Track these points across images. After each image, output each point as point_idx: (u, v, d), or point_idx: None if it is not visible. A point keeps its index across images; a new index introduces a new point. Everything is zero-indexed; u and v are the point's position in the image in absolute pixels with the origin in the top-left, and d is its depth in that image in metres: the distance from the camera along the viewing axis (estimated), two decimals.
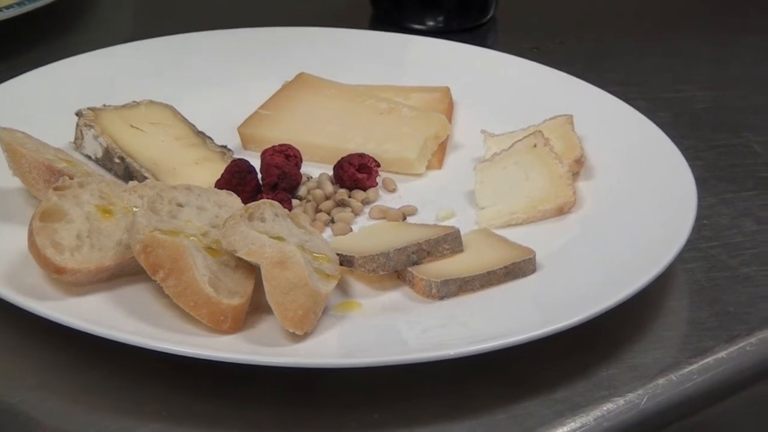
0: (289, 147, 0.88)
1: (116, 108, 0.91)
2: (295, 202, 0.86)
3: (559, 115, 0.91)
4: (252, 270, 0.76)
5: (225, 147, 0.91)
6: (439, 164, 0.91)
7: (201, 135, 0.91)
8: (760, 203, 0.89)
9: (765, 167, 0.93)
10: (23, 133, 0.85)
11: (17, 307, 0.74)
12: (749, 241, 0.85)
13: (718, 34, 1.08)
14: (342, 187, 0.88)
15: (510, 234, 0.83)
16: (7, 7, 1.03)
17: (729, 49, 1.06)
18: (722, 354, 0.77)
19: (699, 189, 0.84)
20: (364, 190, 0.88)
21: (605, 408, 0.73)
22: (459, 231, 0.81)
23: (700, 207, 0.83)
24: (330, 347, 0.74)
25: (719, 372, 0.76)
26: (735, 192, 0.90)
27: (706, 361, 0.76)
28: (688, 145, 0.89)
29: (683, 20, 1.10)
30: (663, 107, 0.96)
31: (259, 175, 0.87)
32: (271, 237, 0.76)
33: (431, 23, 1.07)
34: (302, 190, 0.87)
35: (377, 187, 0.88)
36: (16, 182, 0.83)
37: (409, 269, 0.79)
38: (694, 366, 0.76)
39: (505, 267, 0.79)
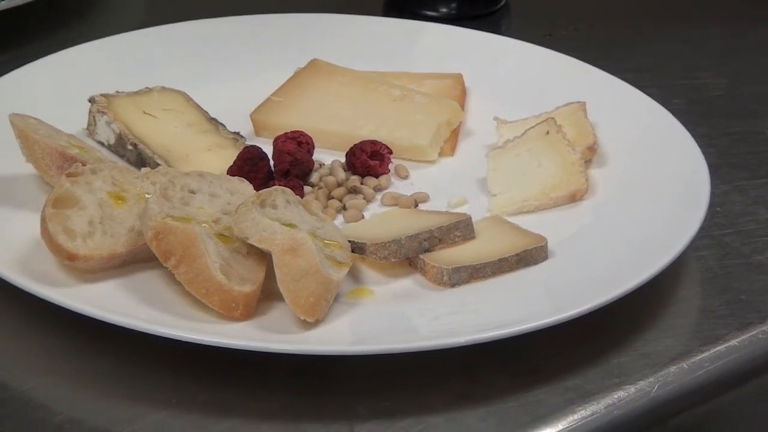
0: (301, 134, 0.88)
1: (129, 94, 0.91)
2: (307, 188, 0.86)
3: (572, 102, 0.91)
4: (263, 257, 0.76)
5: (237, 134, 0.90)
6: (452, 151, 0.91)
7: (213, 121, 0.91)
8: None
9: None
10: (36, 119, 0.85)
11: (29, 293, 0.74)
12: (762, 229, 0.85)
13: (731, 23, 1.07)
14: (354, 173, 0.88)
15: (522, 221, 0.83)
16: None
17: (741, 37, 1.06)
18: (734, 342, 0.77)
19: (712, 176, 0.84)
20: (377, 176, 0.88)
21: (616, 396, 0.73)
22: (471, 218, 0.81)
23: (713, 194, 0.83)
24: (341, 334, 0.74)
25: (731, 360, 0.76)
26: (748, 179, 0.90)
27: (717, 349, 0.76)
28: (701, 132, 0.89)
29: (696, 8, 1.10)
30: (676, 94, 0.96)
31: (271, 162, 0.87)
32: (283, 224, 0.76)
33: (444, 10, 1.07)
34: (314, 177, 0.87)
35: (389, 174, 0.88)
36: (28, 168, 0.83)
37: (421, 256, 0.79)
38: (706, 354, 0.76)
39: (517, 254, 0.79)
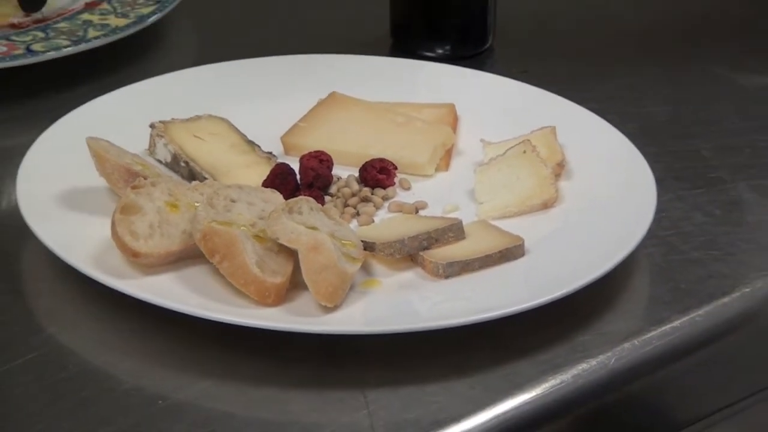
0: (322, 153, 0.88)
1: (182, 121, 0.91)
2: (327, 198, 0.86)
3: (545, 127, 0.90)
4: (291, 254, 0.75)
5: (270, 153, 0.90)
6: (446, 167, 0.90)
7: (251, 143, 0.90)
8: (708, 199, 0.88)
9: (712, 169, 0.91)
10: (107, 141, 0.84)
11: (101, 284, 0.74)
12: (699, 230, 0.84)
13: (674, 60, 1.07)
14: (366, 186, 0.87)
15: (504, 224, 0.82)
16: (96, 38, 1.03)
17: (682, 72, 1.05)
18: (676, 323, 0.76)
19: (658, 187, 0.83)
20: (384, 188, 0.87)
21: (580, 368, 0.73)
22: (461, 222, 0.81)
23: (659, 202, 0.82)
24: (355, 318, 0.73)
25: (674, 338, 0.76)
26: (688, 189, 0.89)
27: (663, 329, 0.76)
28: (650, 151, 0.88)
29: (645, 49, 1.09)
30: (630, 120, 0.95)
31: (298, 176, 0.86)
32: (307, 227, 0.75)
33: (440, 51, 1.06)
34: (333, 189, 0.87)
35: (395, 186, 0.88)
36: (101, 182, 0.83)
37: (421, 253, 0.78)
38: (654, 333, 0.75)
39: (500, 251, 0.78)
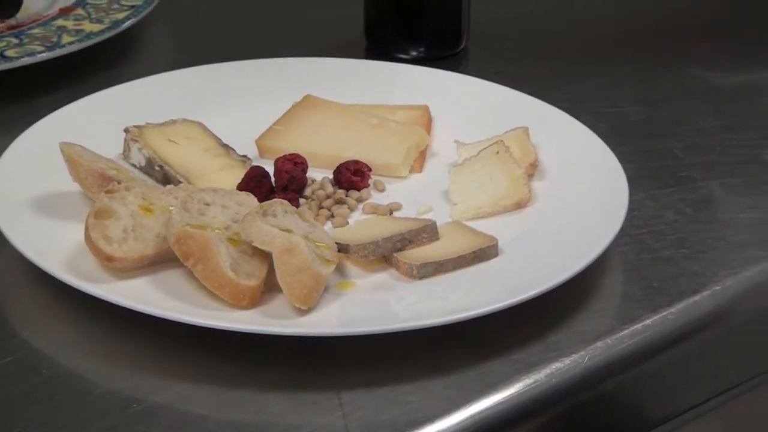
0: (297, 156, 0.88)
1: (157, 125, 0.91)
2: (301, 200, 0.86)
3: (518, 127, 0.90)
4: (265, 256, 0.75)
5: (245, 156, 0.90)
6: (420, 168, 0.91)
7: (225, 147, 0.90)
8: (679, 197, 0.88)
9: (683, 168, 0.92)
10: (81, 146, 0.84)
11: (75, 288, 0.74)
12: (670, 229, 0.85)
13: (645, 61, 1.07)
14: (340, 188, 0.87)
15: (477, 225, 0.82)
16: (70, 43, 1.03)
17: (654, 72, 1.06)
18: (648, 321, 0.76)
19: (630, 186, 0.84)
20: (359, 190, 0.87)
21: (554, 366, 0.73)
22: (435, 223, 0.81)
23: (631, 201, 0.82)
24: (330, 319, 0.73)
25: (646, 336, 0.76)
26: (660, 188, 0.89)
27: (635, 327, 0.76)
28: (622, 150, 0.88)
29: (618, 50, 1.10)
30: (602, 120, 0.95)
31: (273, 179, 0.86)
32: (281, 229, 0.75)
33: (414, 53, 1.06)
34: (308, 191, 0.87)
35: (369, 187, 0.88)
36: (75, 187, 0.83)
37: (395, 254, 0.78)
38: (626, 331, 0.76)
39: (473, 252, 0.78)
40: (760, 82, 1.04)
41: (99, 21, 1.07)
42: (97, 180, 0.81)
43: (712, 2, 1.18)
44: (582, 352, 0.74)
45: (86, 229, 0.76)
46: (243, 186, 0.85)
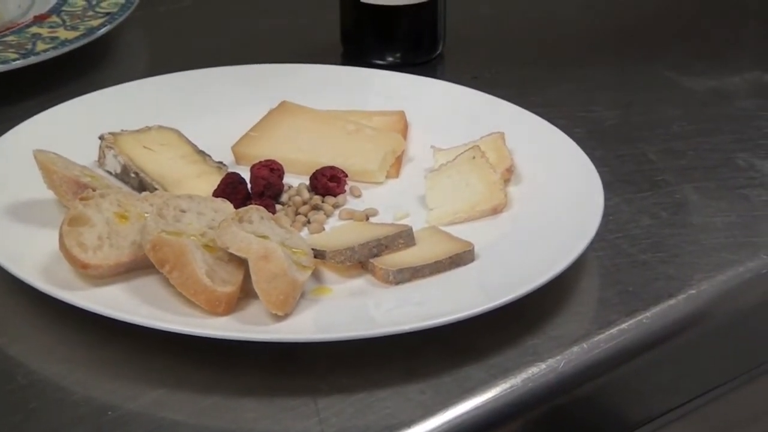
0: (273, 162, 0.88)
1: (132, 132, 0.90)
2: (278, 207, 0.86)
3: (494, 132, 0.91)
4: (242, 263, 0.75)
5: (221, 163, 0.90)
6: (397, 174, 0.91)
7: (201, 153, 0.90)
8: (654, 202, 0.89)
9: (658, 172, 0.92)
10: (55, 153, 0.84)
11: (50, 296, 0.74)
12: (645, 234, 0.85)
13: (621, 65, 1.08)
14: (317, 194, 0.87)
15: (454, 230, 0.83)
16: (45, 51, 1.02)
17: (629, 77, 1.06)
18: (624, 326, 0.77)
19: (606, 190, 0.84)
20: (335, 196, 0.87)
21: (530, 371, 0.73)
22: (412, 228, 0.81)
23: (607, 205, 0.83)
24: (306, 325, 0.73)
25: (622, 340, 0.76)
26: (635, 193, 0.89)
27: (611, 331, 0.76)
28: (597, 155, 0.89)
29: (593, 54, 1.10)
30: (578, 124, 0.95)
31: (249, 186, 0.86)
32: (258, 236, 0.75)
33: (390, 59, 1.06)
34: (284, 197, 0.87)
35: (345, 193, 0.88)
36: (49, 194, 0.82)
37: (371, 260, 0.78)
38: (602, 336, 0.76)
39: (450, 257, 0.79)
40: (733, 87, 1.05)
41: (74, 28, 1.06)
42: (71, 187, 0.81)
43: (685, 7, 1.18)
44: (558, 357, 0.74)
45: (61, 236, 0.75)
46: (219, 192, 0.84)
